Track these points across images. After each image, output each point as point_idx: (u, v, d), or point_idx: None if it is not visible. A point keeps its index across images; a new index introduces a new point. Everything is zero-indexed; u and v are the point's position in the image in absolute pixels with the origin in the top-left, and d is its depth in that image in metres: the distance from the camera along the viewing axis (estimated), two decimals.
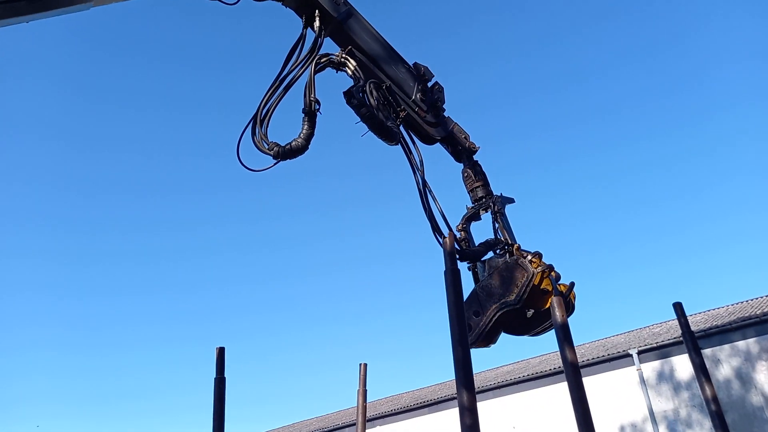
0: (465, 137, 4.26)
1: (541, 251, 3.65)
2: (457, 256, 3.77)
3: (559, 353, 3.44)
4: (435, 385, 23.97)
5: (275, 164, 3.41)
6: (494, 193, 4.04)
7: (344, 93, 3.62)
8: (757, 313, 14.22)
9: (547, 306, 3.54)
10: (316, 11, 3.59)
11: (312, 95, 3.44)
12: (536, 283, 3.48)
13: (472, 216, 3.99)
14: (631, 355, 14.73)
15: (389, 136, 3.68)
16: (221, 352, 4.20)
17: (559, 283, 3.61)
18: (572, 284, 3.62)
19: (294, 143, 3.43)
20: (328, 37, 3.72)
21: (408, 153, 3.89)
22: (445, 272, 2.93)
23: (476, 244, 3.91)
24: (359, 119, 3.58)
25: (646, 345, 14.89)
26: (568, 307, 3.68)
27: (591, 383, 14.98)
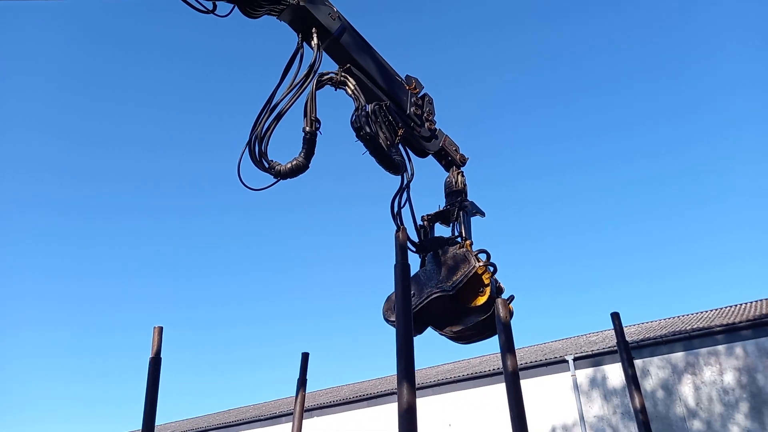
0: (455, 149, 4.33)
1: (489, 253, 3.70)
2: (414, 248, 3.78)
3: (499, 355, 3.49)
4: (375, 380, 24.10)
5: (275, 183, 3.43)
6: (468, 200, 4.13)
7: (354, 127, 3.57)
8: (687, 328, 14.91)
9: (478, 303, 3.57)
10: (313, 28, 3.53)
11: (313, 114, 3.43)
12: (478, 273, 3.50)
13: (440, 215, 4.04)
14: (567, 361, 15.18)
15: (396, 168, 3.72)
16: (159, 331, 4.07)
17: (501, 295, 3.67)
18: (512, 297, 3.72)
19: (295, 162, 3.42)
20: (325, 52, 3.65)
21: (404, 170, 3.88)
22: (395, 266, 2.93)
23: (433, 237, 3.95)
24: (366, 150, 3.59)
25: (582, 352, 15.39)
26: (497, 320, 3.65)
27: (527, 385, 15.35)
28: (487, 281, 3.57)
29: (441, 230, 4.14)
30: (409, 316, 2.86)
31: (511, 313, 3.67)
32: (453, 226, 3.96)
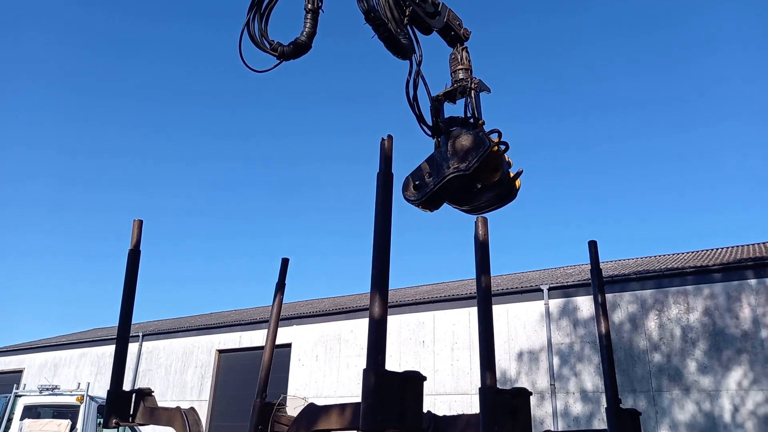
0: (459, 24, 4.10)
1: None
2: (429, 131, 3.74)
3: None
4: (356, 295, 24.78)
5: (278, 64, 3.33)
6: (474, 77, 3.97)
7: (361, 9, 3.38)
8: (660, 267, 15.32)
9: (492, 180, 3.63)
10: None
11: None
12: (492, 152, 3.52)
13: (448, 94, 3.92)
14: (542, 290, 15.65)
15: (403, 52, 3.57)
16: (139, 224, 4.06)
17: (510, 169, 3.71)
18: (520, 171, 3.74)
19: (297, 42, 3.29)
20: None
21: (412, 53, 3.71)
22: (378, 174, 2.88)
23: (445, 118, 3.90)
24: (375, 35, 3.42)
25: (557, 283, 15.83)
26: (511, 192, 3.77)
27: (503, 310, 15.92)
28: (500, 159, 3.58)
29: (451, 110, 4.05)
30: (387, 229, 2.85)
31: (516, 189, 3.75)
32: (465, 107, 3.86)
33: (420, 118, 3.70)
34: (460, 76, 3.93)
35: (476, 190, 3.70)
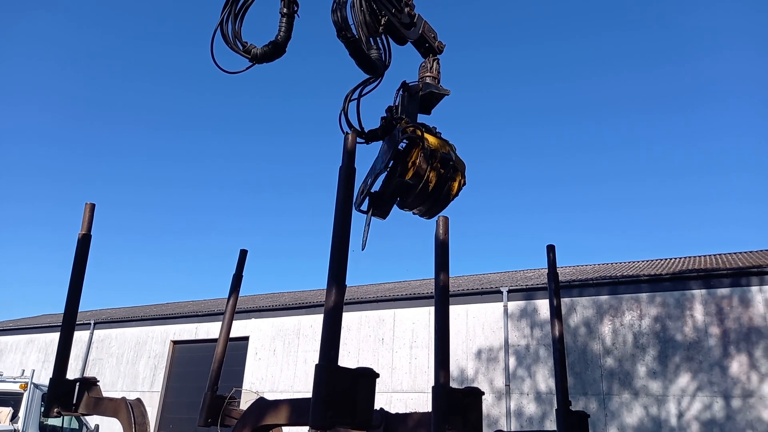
0: (434, 36, 4.10)
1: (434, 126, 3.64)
2: (363, 139, 3.69)
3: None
4: (318, 290, 24.64)
5: (251, 67, 3.31)
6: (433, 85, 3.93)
7: (335, 23, 3.32)
8: (616, 274, 15.71)
9: (409, 177, 3.50)
10: None
11: None
12: (406, 149, 3.46)
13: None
14: (501, 292, 15.85)
15: (374, 69, 3.54)
16: (91, 208, 3.92)
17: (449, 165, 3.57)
18: (461, 182, 3.64)
19: (271, 45, 3.26)
20: None
21: (382, 70, 3.67)
22: (340, 168, 2.85)
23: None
24: (346, 49, 3.37)
25: (516, 285, 16.07)
26: (443, 191, 3.61)
27: (463, 310, 16.08)
28: (414, 156, 3.47)
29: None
30: (347, 220, 2.82)
31: (460, 186, 3.66)
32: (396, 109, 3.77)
33: (361, 130, 3.67)
34: (427, 81, 3.92)
35: (406, 189, 3.58)
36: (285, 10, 3.27)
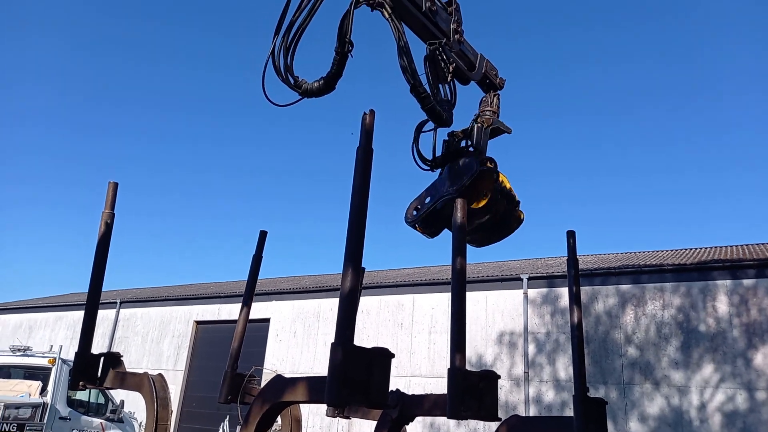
0: (495, 74, 4.17)
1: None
2: (427, 166, 3.89)
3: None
4: (338, 274, 24.78)
5: (299, 100, 3.36)
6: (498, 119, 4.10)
7: (407, 79, 3.42)
8: (639, 263, 15.49)
9: (479, 206, 3.78)
10: None
11: (348, 35, 3.20)
12: (481, 177, 3.66)
13: (466, 130, 4.03)
14: (521, 279, 15.76)
15: (442, 122, 3.64)
16: (114, 187, 3.99)
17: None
18: (517, 201, 3.94)
19: (321, 83, 3.30)
20: None
21: (448, 121, 3.78)
22: (357, 149, 2.84)
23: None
24: (421, 108, 3.52)
25: (537, 273, 15.96)
26: (507, 227, 4.01)
27: (483, 297, 16.04)
28: (489, 186, 3.71)
29: None
30: (365, 201, 2.82)
31: (521, 219, 4.00)
32: (470, 138, 3.98)
33: (420, 157, 3.88)
34: (487, 116, 4.03)
35: (471, 217, 3.77)
36: (340, 49, 3.24)
